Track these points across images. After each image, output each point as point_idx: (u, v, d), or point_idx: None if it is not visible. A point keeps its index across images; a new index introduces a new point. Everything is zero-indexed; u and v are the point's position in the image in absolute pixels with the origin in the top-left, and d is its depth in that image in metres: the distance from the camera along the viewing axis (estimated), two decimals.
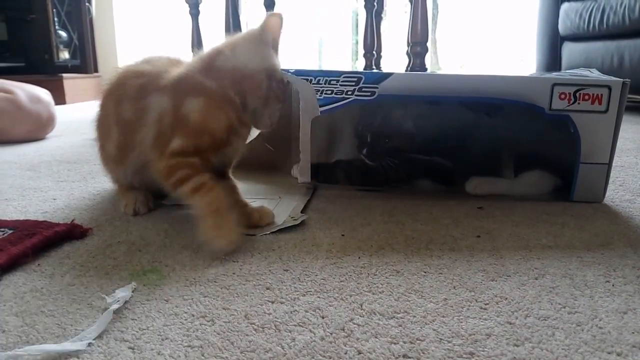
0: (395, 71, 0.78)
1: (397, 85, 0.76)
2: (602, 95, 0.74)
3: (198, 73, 0.69)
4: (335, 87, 0.76)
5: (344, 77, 0.76)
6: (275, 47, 0.71)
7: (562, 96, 0.74)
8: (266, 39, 0.69)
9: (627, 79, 0.74)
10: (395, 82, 0.76)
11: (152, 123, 0.69)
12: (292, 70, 0.77)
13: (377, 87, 0.76)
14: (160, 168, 0.66)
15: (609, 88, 0.74)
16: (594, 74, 0.83)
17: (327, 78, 0.76)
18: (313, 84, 0.77)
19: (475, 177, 0.83)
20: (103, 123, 0.77)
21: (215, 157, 0.69)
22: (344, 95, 0.76)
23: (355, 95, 0.76)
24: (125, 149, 0.73)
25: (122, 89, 0.73)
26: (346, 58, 4.73)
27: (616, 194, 0.84)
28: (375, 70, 0.73)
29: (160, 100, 0.68)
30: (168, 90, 0.68)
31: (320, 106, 0.77)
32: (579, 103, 0.74)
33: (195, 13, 2.12)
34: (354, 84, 0.76)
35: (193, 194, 0.63)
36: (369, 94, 0.76)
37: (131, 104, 0.71)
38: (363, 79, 0.76)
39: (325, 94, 0.77)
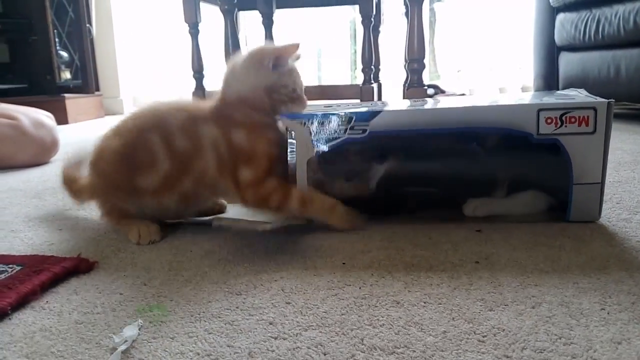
0: (390, 94, 0.80)
1: (387, 122, 0.78)
2: (588, 117, 0.75)
3: (224, 106, 0.80)
4: (328, 128, 0.79)
5: (335, 118, 0.79)
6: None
7: (549, 120, 0.76)
8: (252, 59, 0.79)
9: (611, 99, 0.75)
10: (385, 119, 0.78)
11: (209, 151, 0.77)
12: (285, 115, 0.80)
13: (367, 125, 0.78)
14: (250, 200, 0.78)
15: (595, 109, 0.75)
16: (582, 95, 0.85)
17: (319, 119, 0.79)
18: (306, 126, 0.79)
19: (472, 199, 0.84)
20: (137, 155, 0.79)
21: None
22: (336, 135, 0.79)
23: (348, 134, 0.78)
24: (176, 178, 0.78)
25: (165, 122, 0.79)
26: (345, 68, 4.76)
27: (613, 212, 0.85)
28: (364, 110, 0.73)
29: (210, 130, 0.78)
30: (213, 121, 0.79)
31: (315, 147, 0.79)
32: (566, 126, 0.76)
33: (194, 32, 2.15)
34: (345, 123, 0.78)
35: (303, 207, 0.77)
36: (360, 131, 0.78)
37: (183, 134, 0.78)
38: (354, 118, 0.78)
39: (319, 135, 0.79)
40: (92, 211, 0.97)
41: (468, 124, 0.77)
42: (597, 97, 0.78)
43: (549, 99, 0.81)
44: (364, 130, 0.78)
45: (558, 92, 0.96)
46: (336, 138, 0.78)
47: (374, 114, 0.78)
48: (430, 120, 0.80)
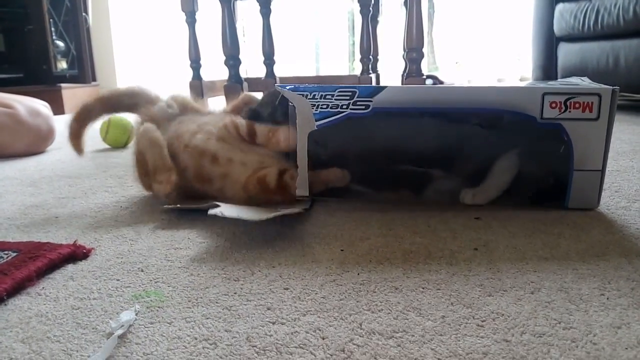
0: (389, 84, 0.79)
1: (391, 98, 0.78)
2: (592, 103, 0.75)
3: None
4: (331, 102, 0.78)
5: (338, 92, 0.78)
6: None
7: (553, 105, 0.75)
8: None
9: (616, 87, 0.75)
10: (389, 95, 0.77)
11: None
12: (288, 87, 0.79)
13: (371, 101, 0.77)
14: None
15: (599, 96, 0.75)
16: (585, 82, 0.84)
17: (322, 93, 0.78)
18: (309, 98, 0.78)
19: (467, 188, 0.83)
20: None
21: None
22: (339, 110, 0.78)
23: (350, 109, 0.78)
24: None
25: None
26: (343, 59, 4.74)
27: (612, 201, 0.84)
28: (368, 85, 0.73)
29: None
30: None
31: (317, 120, 0.78)
32: (569, 111, 0.75)
33: (191, 21, 2.13)
34: (348, 97, 0.77)
35: None
36: (363, 107, 0.77)
37: None
38: (357, 92, 0.77)
39: (321, 108, 0.78)
40: (88, 199, 0.97)
41: (473, 104, 0.77)
42: (602, 85, 0.78)
43: (554, 85, 0.81)
44: (367, 106, 0.77)
45: (561, 79, 0.96)
46: (339, 113, 0.78)
47: (378, 89, 0.78)
48: (435, 98, 0.79)
